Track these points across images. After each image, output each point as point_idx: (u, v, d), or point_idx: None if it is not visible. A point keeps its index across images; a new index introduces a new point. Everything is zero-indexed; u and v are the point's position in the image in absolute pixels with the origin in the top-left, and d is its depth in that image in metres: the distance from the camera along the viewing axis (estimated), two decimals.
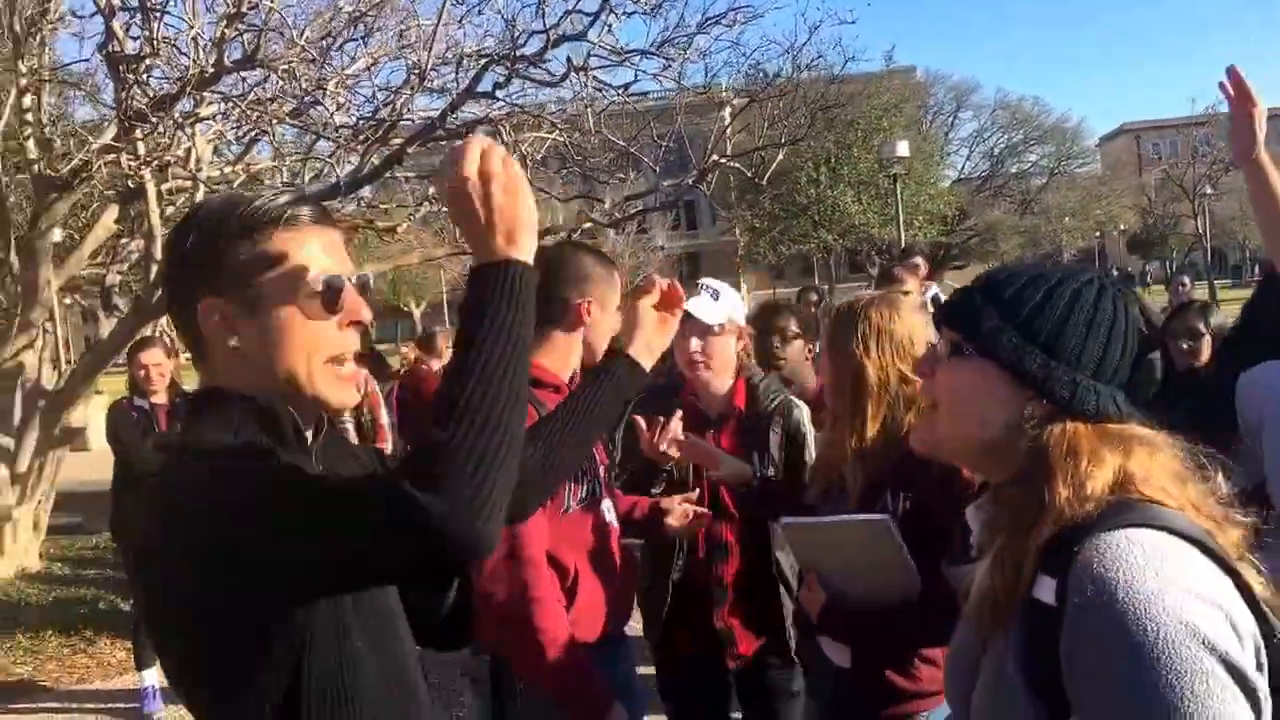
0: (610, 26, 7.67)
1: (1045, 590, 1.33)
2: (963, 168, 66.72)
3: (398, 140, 8.91)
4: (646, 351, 2.16)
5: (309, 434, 1.58)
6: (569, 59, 7.74)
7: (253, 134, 8.88)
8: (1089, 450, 1.40)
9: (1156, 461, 1.41)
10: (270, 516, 1.33)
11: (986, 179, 66.13)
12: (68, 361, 12.85)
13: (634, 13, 7.75)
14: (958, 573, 1.66)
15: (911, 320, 2.73)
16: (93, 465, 11.69)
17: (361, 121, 8.34)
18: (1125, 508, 1.35)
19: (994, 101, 67.28)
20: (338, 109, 8.15)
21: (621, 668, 2.82)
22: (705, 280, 3.41)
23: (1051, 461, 1.40)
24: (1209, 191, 50.67)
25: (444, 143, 9.28)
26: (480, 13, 7.94)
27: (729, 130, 9.27)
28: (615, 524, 2.84)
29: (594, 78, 7.73)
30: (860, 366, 2.62)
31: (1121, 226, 67.01)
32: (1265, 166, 2.51)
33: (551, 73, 7.96)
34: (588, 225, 9.77)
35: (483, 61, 7.81)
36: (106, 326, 9.30)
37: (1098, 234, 67.54)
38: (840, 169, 44.96)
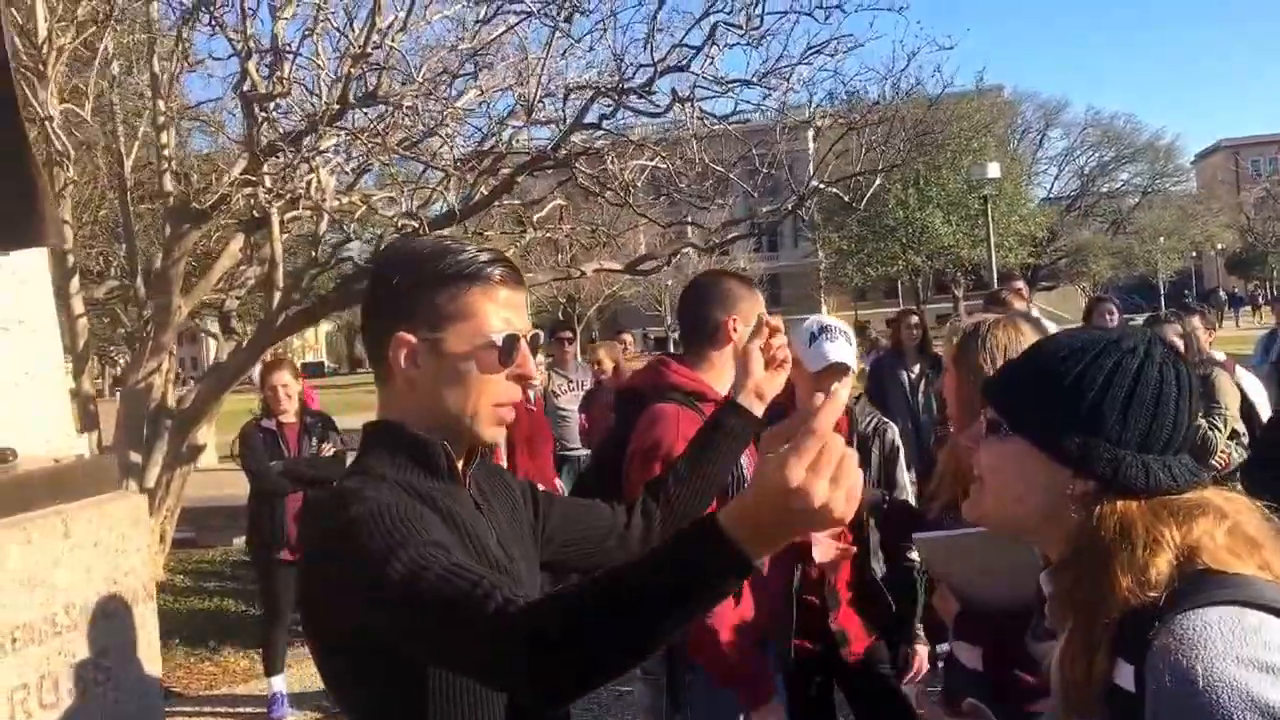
0: (713, 59, 7.98)
1: (1125, 677, 1.31)
2: (1051, 187, 66.07)
3: (505, 170, 9.33)
4: (757, 398, 2.21)
5: (461, 463, 1.78)
6: (674, 90, 8.07)
7: (363, 165, 9.38)
8: (1144, 531, 1.36)
9: (1225, 528, 1.36)
10: (386, 597, 1.49)
11: (1076, 199, 65.32)
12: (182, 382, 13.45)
13: (736, 44, 8.06)
14: (1039, 649, 1.68)
15: (1034, 338, 3.01)
16: (203, 482, 12.27)
17: (474, 152, 8.76)
18: (1197, 583, 1.31)
19: (1084, 119, 66.63)
20: (445, 141, 8.58)
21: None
22: (832, 324, 3.60)
23: (1106, 545, 1.37)
24: None
25: (550, 171, 9.71)
26: (591, 49, 8.32)
27: (827, 155, 9.50)
28: None
29: (699, 108, 8.04)
30: None
31: (1219, 246, 65.60)
32: None
33: (656, 103, 8.29)
34: (687, 250, 10.08)
35: (589, 94, 8.16)
36: (225, 349, 9.83)
37: (1194, 254, 66.17)
38: (929, 190, 44.77)
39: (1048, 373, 1.47)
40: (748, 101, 8.56)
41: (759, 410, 2.22)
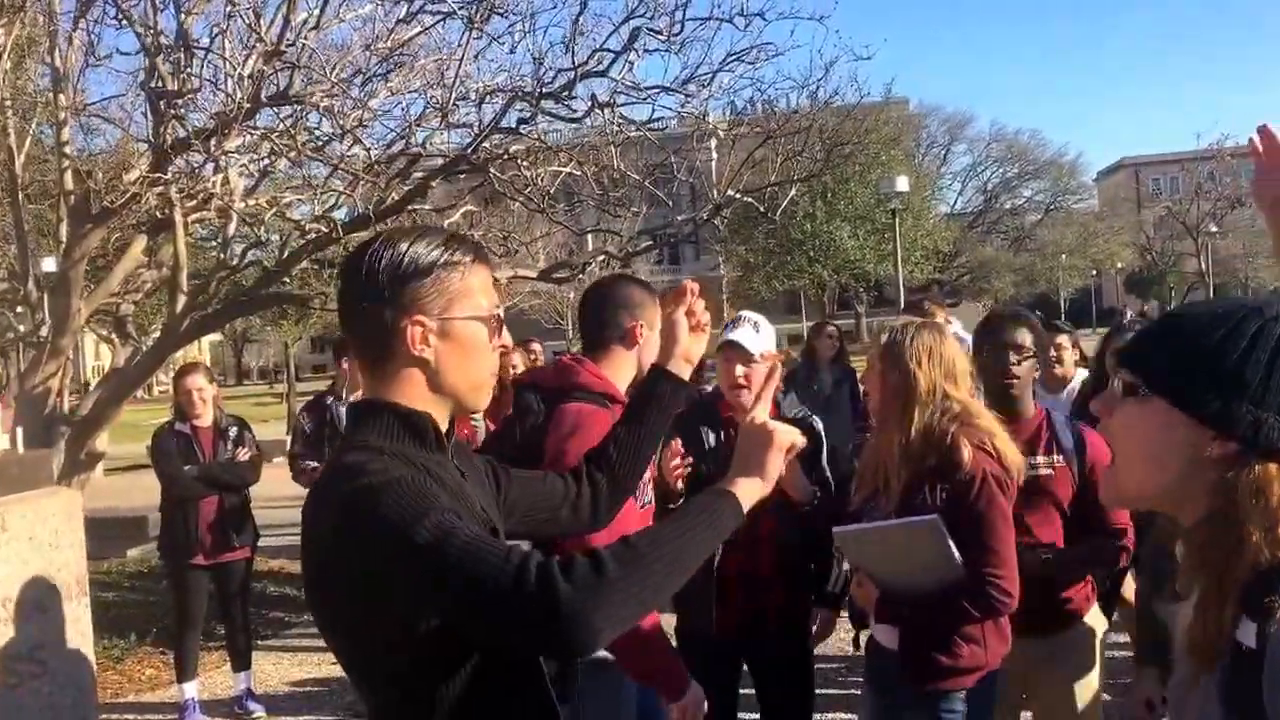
0: (632, 64, 8.25)
1: (1247, 634, 1.36)
2: (955, 203, 67.70)
3: (418, 173, 9.47)
4: (685, 364, 2.43)
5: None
6: (593, 95, 8.33)
7: (268, 167, 9.43)
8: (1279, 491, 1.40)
9: None
10: (415, 561, 1.64)
11: (980, 214, 67.04)
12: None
13: (657, 50, 8.34)
14: (1171, 610, 1.89)
15: (954, 345, 3.36)
16: (94, 492, 12.11)
17: (385, 155, 8.90)
18: None
19: (989, 134, 68.31)
20: (358, 142, 8.71)
21: None
22: (745, 314, 3.99)
23: (1239, 503, 1.41)
24: (1213, 229, 51.38)
25: (463, 177, 9.87)
26: (512, 51, 8.53)
27: (743, 165, 9.84)
28: None
29: (619, 114, 8.29)
30: (914, 378, 3.18)
31: (1119, 264, 67.84)
32: None
33: (574, 109, 8.53)
34: (600, 258, 10.33)
35: (507, 97, 8.37)
36: (122, 354, 9.79)
37: (1094, 272, 68.31)
38: (837, 204, 45.68)
39: (1190, 335, 1.51)
40: (667, 108, 8.85)
41: (687, 374, 2.45)
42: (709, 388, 4.61)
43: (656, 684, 3.06)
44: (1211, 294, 53.20)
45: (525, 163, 9.06)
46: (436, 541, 1.62)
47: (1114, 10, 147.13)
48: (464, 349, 1.91)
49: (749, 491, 1.88)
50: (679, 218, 10.24)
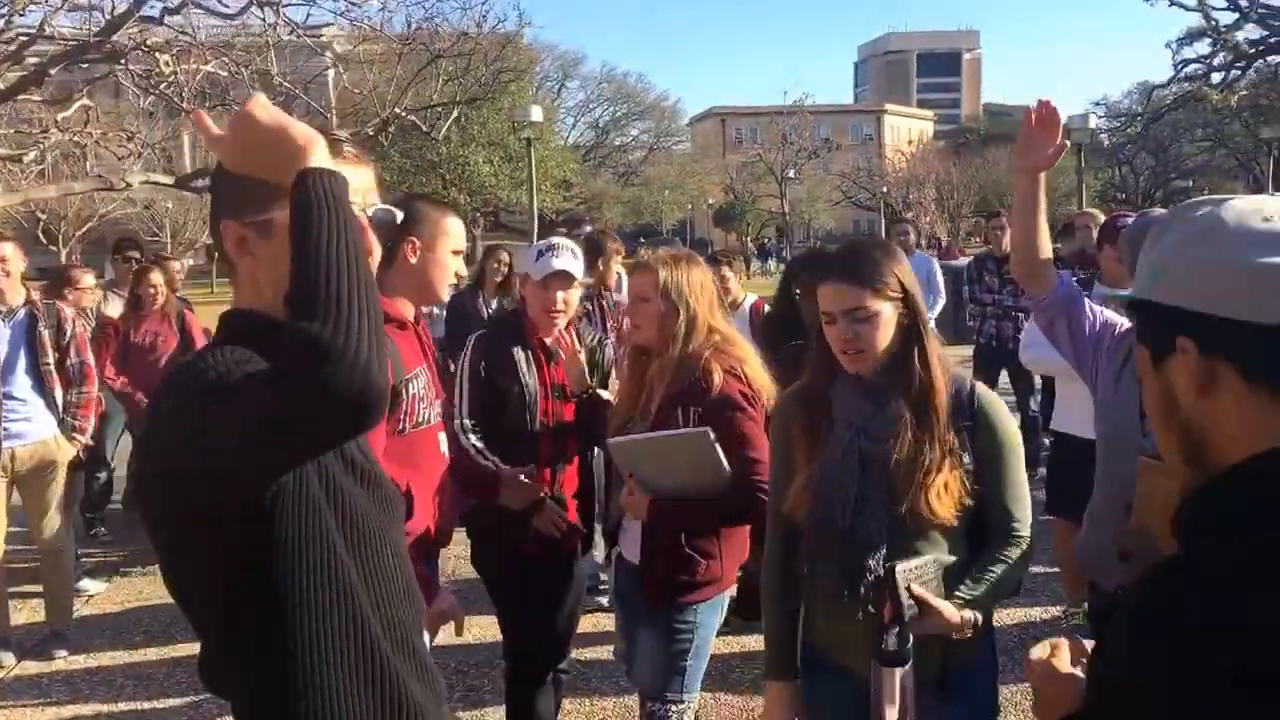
0: None
1: None
2: (569, 137, 68.94)
3: (32, 59, 7.82)
4: None
5: None
6: None
7: None
8: None
9: None
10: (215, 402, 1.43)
11: (592, 149, 68.74)
12: None
13: None
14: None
15: (713, 281, 3.38)
16: None
17: None
18: None
19: (600, 74, 70.09)
20: None
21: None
22: (555, 240, 3.78)
23: None
24: (791, 175, 55.13)
25: (85, 66, 8.28)
26: None
27: (409, 84, 8.89)
28: (447, 454, 3.18)
29: (284, 15, 7.13)
30: (695, 313, 3.21)
31: (710, 200, 71.75)
32: (1040, 185, 2.93)
33: (227, 4, 7.27)
34: None
35: None
36: None
37: (689, 206, 72.02)
38: (470, 128, 44.93)
39: None
40: (331, 12, 7.76)
41: None
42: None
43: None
44: (790, 232, 57.33)
45: (167, 57, 7.68)
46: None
47: None
48: (284, 255, 1.53)
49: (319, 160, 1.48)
50: (341, 131, 9.15)
